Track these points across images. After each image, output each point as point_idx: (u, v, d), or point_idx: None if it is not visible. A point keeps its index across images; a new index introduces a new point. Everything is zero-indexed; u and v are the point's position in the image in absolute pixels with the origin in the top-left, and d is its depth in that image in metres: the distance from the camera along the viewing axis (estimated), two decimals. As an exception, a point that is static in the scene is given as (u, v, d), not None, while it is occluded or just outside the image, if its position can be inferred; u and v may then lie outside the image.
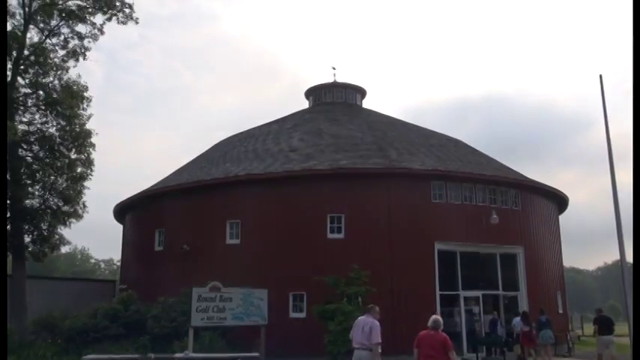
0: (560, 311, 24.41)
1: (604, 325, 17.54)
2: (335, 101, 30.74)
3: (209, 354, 15.10)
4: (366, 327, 10.66)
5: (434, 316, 9.96)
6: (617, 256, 22.19)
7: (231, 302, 17.16)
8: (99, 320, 18.48)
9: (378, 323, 10.81)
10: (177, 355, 14.03)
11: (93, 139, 23.66)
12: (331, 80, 31.59)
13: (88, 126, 23.55)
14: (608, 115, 23.11)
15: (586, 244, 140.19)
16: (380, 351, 10.68)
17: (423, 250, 20.64)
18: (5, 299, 16.16)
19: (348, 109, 29.46)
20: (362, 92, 31.95)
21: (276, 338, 17.94)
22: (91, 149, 23.76)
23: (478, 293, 22.03)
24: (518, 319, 20.53)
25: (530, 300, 22.55)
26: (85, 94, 23.35)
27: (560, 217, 27.70)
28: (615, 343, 17.58)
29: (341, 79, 32.13)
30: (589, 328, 44.84)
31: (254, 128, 29.10)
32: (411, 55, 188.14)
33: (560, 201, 26.79)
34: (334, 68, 33.97)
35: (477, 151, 28.03)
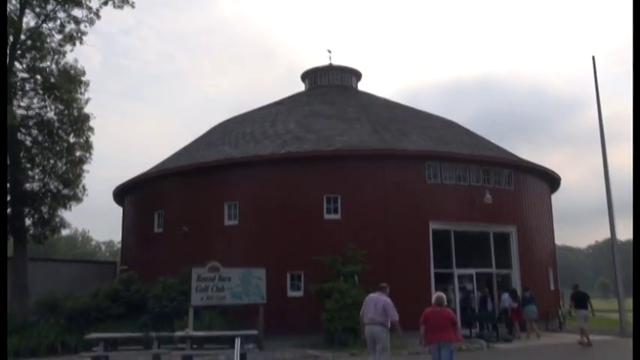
0: (552, 288, 24.63)
1: (580, 301, 18.49)
2: (331, 84, 30.62)
3: (209, 332, 15.19)
4: (379, 304, 11.05)
5: (438, 293, 10.38)
6: (608, 234, 22.41)
7: (230, 282, 17.27)
8: (100, 300, 18.55)
9: (390, 300, 11.18)
10: (178, 333, 14.16)
11: (91, 123, 23.56)
12: (327, 63, 31.43)
13: (86, 110, 23.44)
14: (600, 96, 23.19)
15: (578, 223, 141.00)
16: (389, 325, 11.15)
17: (417, 230, 20.74)
18: (5, 289, 16.21)
19: (343, 92, 29.36)
20: (357, 75, 31.81)
21: (274, 316, 18.09)
22: (89, 133, 23.63)
23: (472, 271, 22.19)
24: (506, 295, 20.89)
25: (523, 277, 22.73)
26: (82, 78, 23.16)
27: (553, 196, 27.81)
28: (590, 316, 18.47)
29: (337, 62, 31.98)
30: (580, 305, 45.27)
31: (251, 111, 29.00)
32: (405, 38, 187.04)
33: (552, 181, 26.87)
34: (330, 51, 33.68)
35: (471, 132, 28.02)
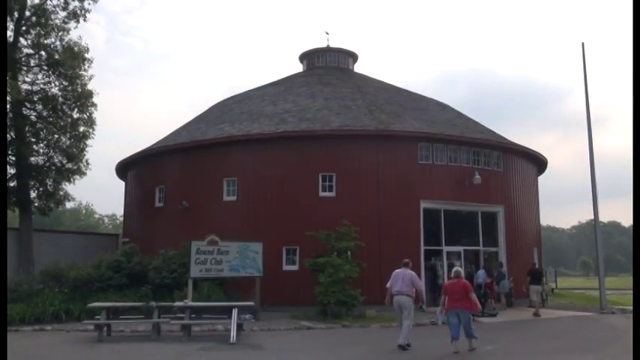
0: (537, 266, 24.76)
1: (535, 277, 20.12)
2: (328, 65, 30.39)
3: (207, 303, 15.30)
4: (406, 277, 12.16)
5: (455, 268, 12.19)
6: (591, 216, 22.58)
7: (228, 255, 17.31)
8: (103, 271, 18.60)
9: (415, 274, 12.44)
10: (177, 303, 14.23)
11: (94, 100, 23.39)
12: (324, 45, 31.18)
13: (90, 87, 23.25)
14: (588, 82, 23.12)
15: (562, 204, 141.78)
16: (414, 295, 12.27)
17: (409, 208, 20.81)
18: (5, 288, 16.21)
19: (340, 73, 29.17)
20: (354, 57, 31.58)
21: (270, 289, 18.20)
22: (92, 109, 23.50)
23: (460, 249, 22.33)
24: (482, 271, 21.19)
25: (509, 255, 22.91)
26: (85, 55, 22.94)
27: (539, 178, 27.89)
28: (541, 291, 20.56)
29: (334, 44, 31.73)
30: (563, 282, 45.92)
31: (249, 90, 28.82)
32: (400, 23, 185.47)
33: (539, 163, 26.92)
34: (327, 33, 33.56)
35: (462, 115, 27.96)
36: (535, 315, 19.27)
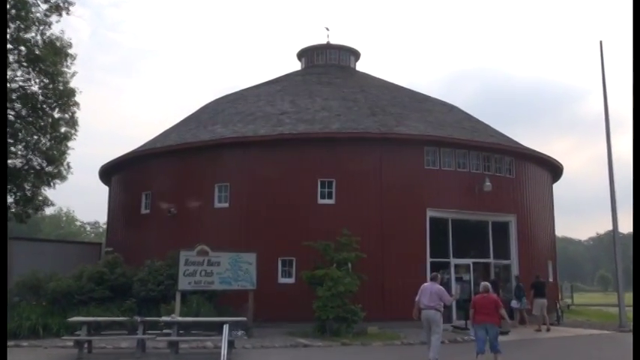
0: (551, 280, 24.79)
1: (538, 290, 20.37)
2: (328, 63, 30.45)
3: (196, 318, 15.25)
4: (433, 291, 12.95)
5: (484, 283, 12.98)
6: (610, 226, 22.54)
7: (219, 266, 17.28)
8: (84, 283, 18.54)
9: (443, 288, 13.35)
10: (164, 318, 14.18)
11: (77, 98, 23.38)
12: (324, 41, 31.25)
13: (73, 84, 23.25)
14: (606, 82, 23.18)
15: (579, 214, 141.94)
16: (442, 310, 13.18)
17: (414, 217, 20.79)
18: (5, 286, 16.18)
19: (341, 72, 29.23)
20: (356, 54, 31.65)
21: (264, 303, 18.13)
22: (75, 108, 23.50)
23: (469, 261, 22.31)
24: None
25: (522, 268, 22.87)
26: (68, 50, 22.96)
27: (554, 185, 27.90)
28: (545, 305, 20.44)
29: (334, 40, 31.80)
30: (580, 297, 45.93)
31: (244, 89, 28.85)
32: (406, 18, 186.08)
33: (554, 169, 26.94)
34: (328, 29, 33.52)
35: (471, 117, 27.99)
36: (537, 330, 19.55)
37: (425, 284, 13.46)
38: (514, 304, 21.15)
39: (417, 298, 13.20)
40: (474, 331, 12.59)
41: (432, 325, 12.84)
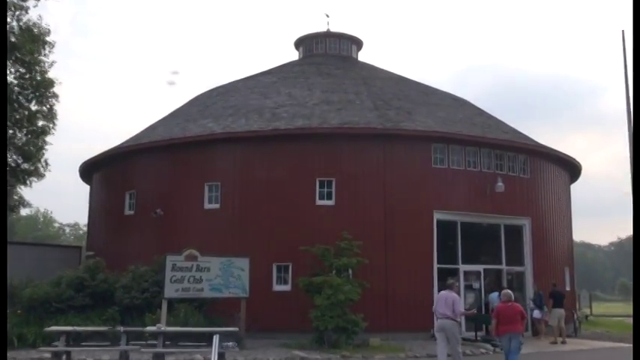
0: (568, 289, 24.83)
1: (557, 299, 20.53)
2: (328, 53, 30.47)
3: (184, 328, 15.27)
4: (449, 300, 13.28)
5: (507, 291, 13.36)
6: (632, 231, 22.57)
7: (208, 272, 17.29)
8: (63, 289, 18.53)
9: (458, 297, 13.68)
10: (149, 328, 14.19)
11: (56, 89, 23.40)
12: (324, 29, 31.26)
13: (51, 74, 23.28)
14: (629, 74, 23.20)
15: (599, 217, 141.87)
16: (459, 319, 13.82)
17: (420, 220, 20.83)
18: (5, 286, 16.22)
19: (341, 62, 29.26)
20: (358, 43, 31.67)
21: (257, 312, 18.16)
22: (54, 100, 23.53)
23: (479, 267, 22.36)
24: (495, 294, 21.17)
25: (536, 276, 22.91)
26: (47, 38, 22.98)
27: (572, 186, 27.95)
28: (563, 315, 20.65)
29: (335, 28, 31.80)
30: (599, 307, 45.98)
31: (236, 81, 28.87)
32: (414, 4, 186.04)
33: (572, 169, 26.99)
34: (328, 16, 33.38)
35: (483, 112, 28.04)
36: (553, 343, 19.65)
37: (441, 292, 13.92)
38: (537, 314, 21.20)
39: (433, 307, 13.76)
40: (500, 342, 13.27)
41: (448, 337, 13.19)
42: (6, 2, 20.38)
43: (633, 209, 14.51)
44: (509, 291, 13.35)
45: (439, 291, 20.65)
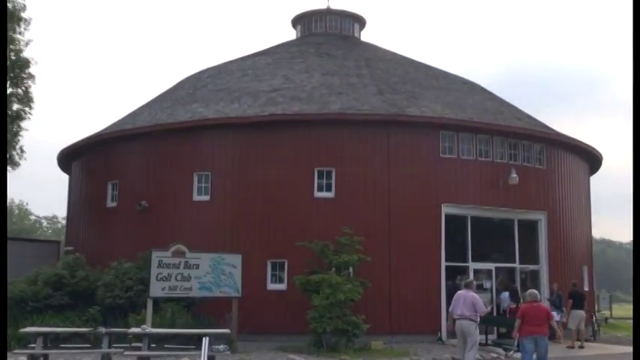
0: (586, 289, 24.91)
1: (577, 300, 20.63)
2: (328, 32, 30.39)
3: (171, 330, 15.29)
4: (467, 300, 13.78)
5: (532, 290, 13.68)
6: (632, 232, 22.59)
7: (198, 269, 17.32)
8: (40, 288, 18.58)
9: (477, 296, 14.16)
10: (133, 330, 14.22)
11: (32, 70, 23.35)
12: (324, 6, 31.17)
13: (27, 54, 23.22)
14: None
15: (620, 212, 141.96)
16: (478, 320, 14.17)
17: (427, 214, 20.86)
18: (5, 285, 16.28)
19: (343, 42, 29.20)
20: (361, 22, 31.60)
21: (250, 313, 18.21)
22: (30, 82, 23.49)
23: (491, 266, 22.42)
24: (506, 294, 21.31)
25: (552, 275, 22.98)
26: (22, 14, 22.91)
27: (592, 178, 27.97)
28: (583, 317, 20.79)
29: (336, 5, 31.74)
30: (619, 309, 46.06)
31: (228, 62, 28.81)
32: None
33: (592, 159, 27.00)
34: (328, -9, 33.31)
35: (495, 96, 28.02)
36: (570, 347, 19.72)
37: (459, 292, 14.39)
38: (557, 316, 21.26)
39: (450, 308, 14.18)
40: (519, 344, 13.54)
41: (466, 338, 13.68)
42: (6, 2, 20.39)
43: (633, 209, 15.03)
44: (535, 291, 13.71)
45: (447, 291, 20.95)
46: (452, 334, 20.19)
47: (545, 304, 21.65)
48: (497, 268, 22.52)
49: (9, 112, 23.25)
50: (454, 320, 14.01)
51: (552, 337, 21.37)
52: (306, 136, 21.12)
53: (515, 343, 14.40)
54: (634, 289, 14.37)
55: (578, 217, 25.59)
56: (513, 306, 20.99)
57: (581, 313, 20.52)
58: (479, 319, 14.14)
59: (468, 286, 14.40)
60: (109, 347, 13.78)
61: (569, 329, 20.57)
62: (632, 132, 13.40)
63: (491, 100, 27.02)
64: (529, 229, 23.34)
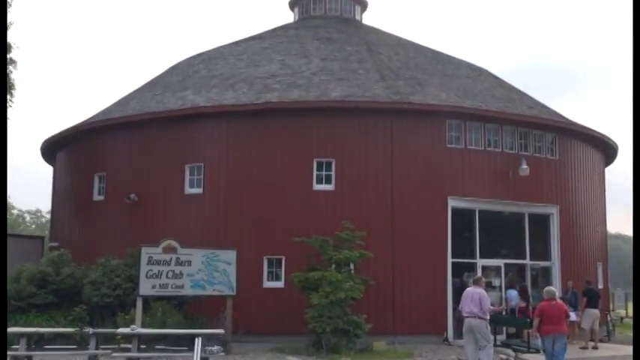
0: (601, 287, 24.95)
1: (592, 299, 20.73)
2: (327, 14, 30.33)
3: (162, 330, 15.33)
4: (475, 296, 13.97)
5: (550, 288, 14.07)
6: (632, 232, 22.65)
7: (190, 266, 17.33)
8: (23, 286, 18.59)
9: (485, 293, 14.35)
10: (122, 330, 14.24)
11: (14, 55, 23.27)
12: (324, -13, 31.07)
13: (8, 38, 23.11)
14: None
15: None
16: (488, 317, 14.25)
17: (433, 208, 20.88)
18: (5, 285, 16.31)
19: (343, 26, 29.14)
20: (363, 4, 31.53)
21: (246, 312, 18.24)
22: (11, 67, 23.41)
23: (500, 262, 22.45)
24: (514, 292, 21.30)
25: (565, 272, 23.01)
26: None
27: (607, 169, 27.98)
28: (598, 317, 20.79)
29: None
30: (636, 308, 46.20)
31: (222, 47, 28.76)
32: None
33: (607, 149, 27.00)
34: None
35: (505, 83, 28.00)
36: (583, 348, 19.78)
37: (468, 288, 14.63)
38: (573, 316, 21.28)
39: (459, 306, 14.43)
40: (539, 342, 13.82)
41: (477, 338, 13.85)
42: (6, 2, 20.36)
43: (633, 209, 15.49)
44: (553, 288, 14.15)
45: (454, 288, 20.99)
46: (459, 333, 20.46)
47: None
48: (506, 265, 22.53)
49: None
50: (463, 318, 14.25)
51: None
52: (304, 125, 21.09)
53: (539, 343, 14.45)
54: (634, 289, 14.83)
55: (593, 211, 25.60)
56: (523, 305, 21.03)
57: (596, 312, 20.54)
58: (488, 317, 14.25)
59: (476, 282, 14.57)
60: (97, 348, 13.82)
61: (582, 329, 20.62)
62: (633, 131, 13.71)
63: (501, 87, 26.99)
64: (540, 223, 23.35)
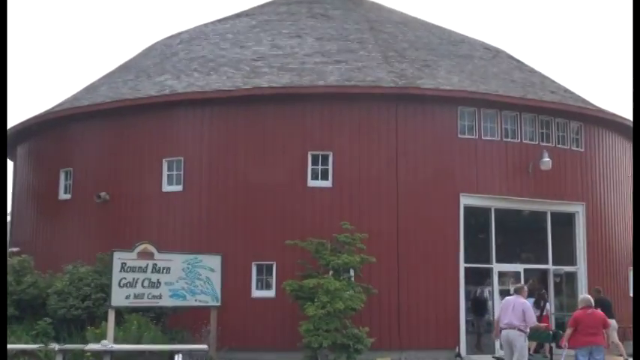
0: (631, 295, 24.95)
1: (605, 309, 20.25)
2: (323, -12, 30.34)
3: (137, 345, 15.35)
4: (517, 307, 14.27)
5: (585, 295, 14.65)
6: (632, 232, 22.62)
7: (169, 274, 17.30)
8: (-20, 296, 18.56)
9: (529, 304, 14.88)
10: (92, 346, 14.28)
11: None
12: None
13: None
14: None
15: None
16: (528, 331, 14.55)
17: (443, 206, 20.89)
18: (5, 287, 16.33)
19: (341, 1, 29.11)
20: (363, -24, 31.53)
21: (232, 325, 18.25)
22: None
23: (519, 267, 22.46)
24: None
25: (591, 277, 23.01)
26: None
27: (640, 162, 27.99)
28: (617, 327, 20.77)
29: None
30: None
31: (203, 25, 28.75)
32: None
33: (641, 139, 27.01)
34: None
35: (524, 65, 27.98)
36: None
37: (507, 298, 15.13)
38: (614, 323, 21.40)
39: (496, 316, 14.93)
40: (563, 356, 14.31)
41: (513, 350, 14.16)
42: (6, 2, 20.38)
43: (633, 209, 15.89)
44: (588, 295, 14.55)
45: (467, 296, 21.03)
46: (472, 349, 20.52)
47: None
48: (526, 270, 22.52)
49: None
50: (500, 330, 14.52)
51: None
52: (297, 114, 21.07)
53: (563, 354, 14.92)
54: (634, 289, 15.05)
55: (623, 209, 25.50)
56: (538, 313, 21.00)
57: (613, 322, 20.54)
58: (528, 331, 14.47)
59: (518, 291, 14.84)
60: (64, 367, 13.82)
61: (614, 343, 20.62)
62: (633, 131, 14.09)
63: (519, 68, 26.96)
64: (564, 223, 23.37)
